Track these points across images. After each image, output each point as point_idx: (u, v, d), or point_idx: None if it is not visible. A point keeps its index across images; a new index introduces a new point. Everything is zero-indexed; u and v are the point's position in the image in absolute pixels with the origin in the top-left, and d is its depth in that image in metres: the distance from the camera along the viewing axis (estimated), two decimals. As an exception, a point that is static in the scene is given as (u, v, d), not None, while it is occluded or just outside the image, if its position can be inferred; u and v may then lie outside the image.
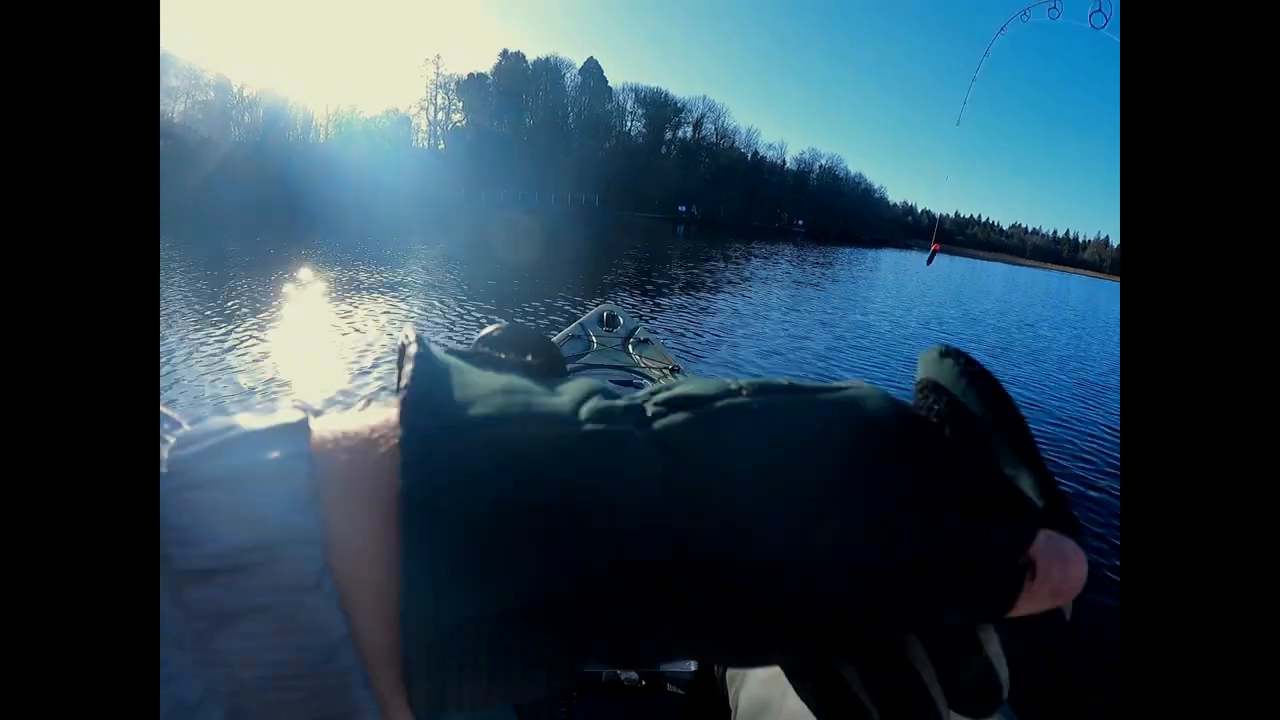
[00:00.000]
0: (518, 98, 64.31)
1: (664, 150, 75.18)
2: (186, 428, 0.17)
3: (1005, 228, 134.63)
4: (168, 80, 36.88)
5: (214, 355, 4.21)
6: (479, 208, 40.24)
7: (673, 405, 0.18)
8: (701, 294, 10.14)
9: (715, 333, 6.88)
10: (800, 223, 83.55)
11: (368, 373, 4.08)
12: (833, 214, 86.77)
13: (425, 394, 0.16)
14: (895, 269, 25.93)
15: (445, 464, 0.15)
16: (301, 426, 0.16)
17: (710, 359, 5.53)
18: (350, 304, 6.59)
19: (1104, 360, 8.57)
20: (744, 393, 0.18)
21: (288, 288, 7.34)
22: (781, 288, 13.04)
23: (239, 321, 5.20)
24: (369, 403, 0.19)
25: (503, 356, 0.20)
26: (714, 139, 79.48)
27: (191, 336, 4.60)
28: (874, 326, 8.86)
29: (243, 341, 4.57)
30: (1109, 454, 4.17)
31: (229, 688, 0.14)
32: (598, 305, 2.82)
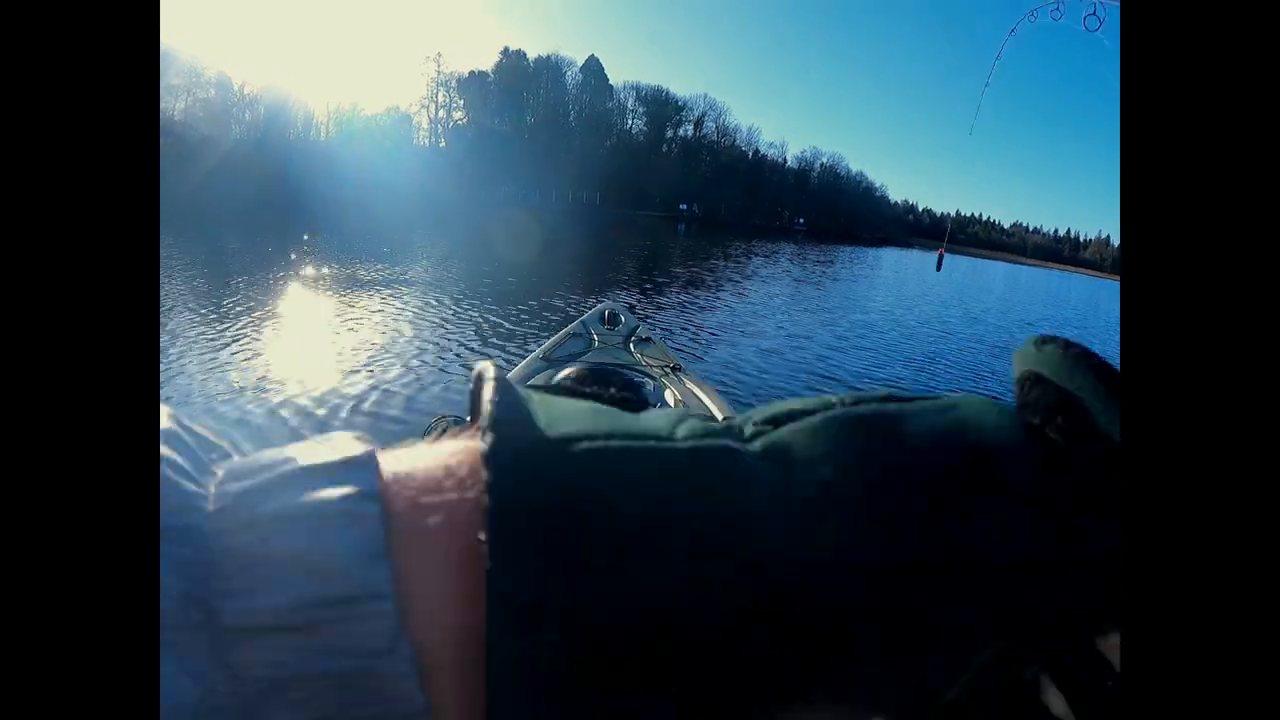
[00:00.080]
0: (519, 95, 64.25)
1: (665, 148, 75.11)
2: (235, 459, 0.16)
3: (1006, 226, 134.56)
4: (169, 78, 36.84)
5: (213, 352, 4.19)
6: (480, 205, 40.22)
7: (774, 421, 0.18)
8: (702, 292, 10.12)
9: (716, 331, 6.86)
10: (801, 221, 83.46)
11: (368, 369, 4.05)
12: (834, 212, 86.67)
13: (511, 411, 0.15)
14: (896, 268, 25.91)
15: (542, 481, 0.14)
16: (368, 461, 0.15)
17: (711, 358, 5.50)
18: (351, 302, 6.57)
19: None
20: (842, 405, 0.18)
21: (288, 285, 7.32)
22: (782, 286, 13.01)
23: (238, 319, 5.18)
24: (440, 433, 0.18)
25: (587, 391, 0.19)
26: (715, 137, 79.43)
27: (190, 334, 4.58)
28: (875, 325, 8.84)
29: (241, 339, 4.55)
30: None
31: None
32: (599, 304, 2.80)
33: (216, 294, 6.25)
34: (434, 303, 6.84)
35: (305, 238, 11.34)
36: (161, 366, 3.75)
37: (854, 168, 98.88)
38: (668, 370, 2.10)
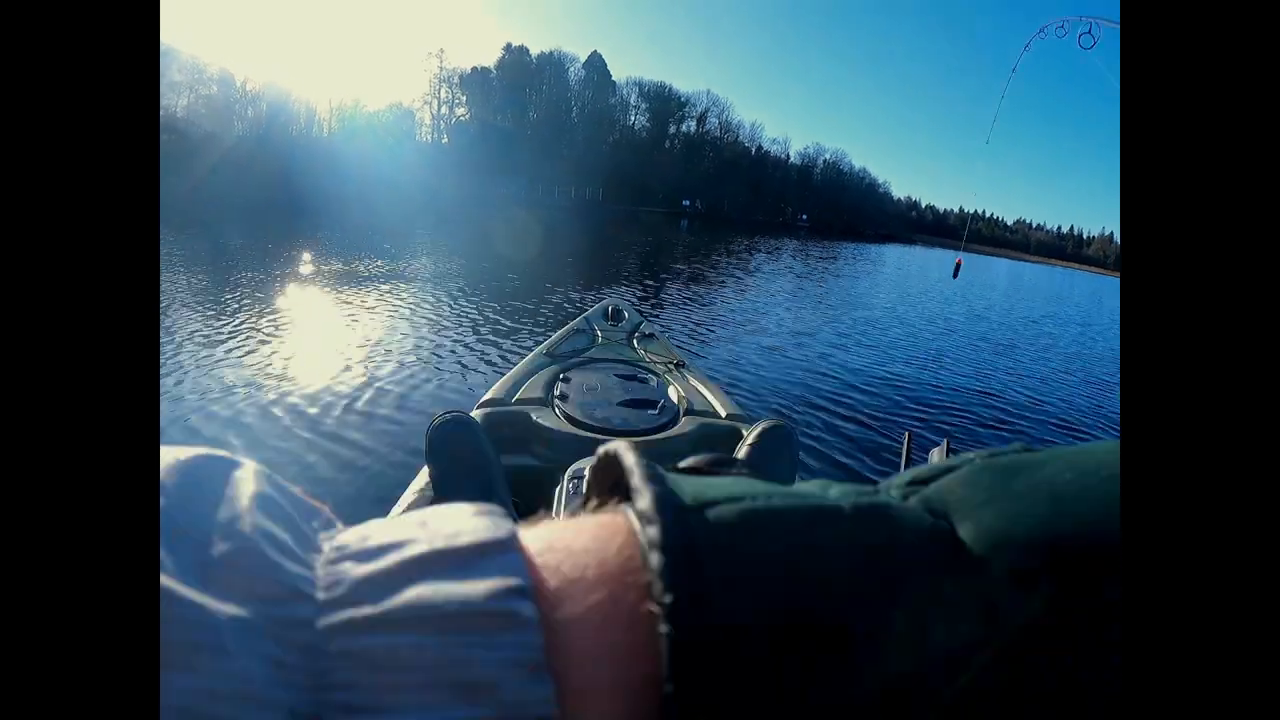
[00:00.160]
0: (522, 92, 64.17)
1: (668, 144, 74.96)
2: (340, 529, 0.14)
3: (1010, 223, 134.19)
4: (171, 75, 36.85)
5: (214, 349, 4.19)
6: (482, 202, 40.20)
7: (920, 480, 0.17)
8: (705, 289, 10.11)
9: (719, 328, 6.86)
10: (804, 217, 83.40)
11: (369, 365, 4.05)
12: (837, 209, 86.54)
13: (666, 483, 0.14)
14: (899, 264, 25.87)
15: (726, 555, 0.13)
16: (512, 545, 0.13)
17: (714, 355, 5.50)
18: (352, 298, 6.57)
19: (1111, 357, 8.52)
20: (982, 459, 0.17)
21: (289, 282, 7.33)
22: (785, 283, 12.99)
23: (239, 316, 5.19)
24: (572, 510, 0.16)
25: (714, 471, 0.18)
26: (718, 133, 79.28)
27: (192, 331, 4.59)
28: (878, 322, 8.82)
29: (242, 336, 4.56)
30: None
31: None
32: (602, 300, 2.81)
33: (218, 291, 6.26)
34: (435, 299, 6.84)
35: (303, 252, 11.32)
36: (162, 364, 3.75)
37: (857, 164, 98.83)
38: (671, 366, 2.10)
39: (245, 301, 5.82)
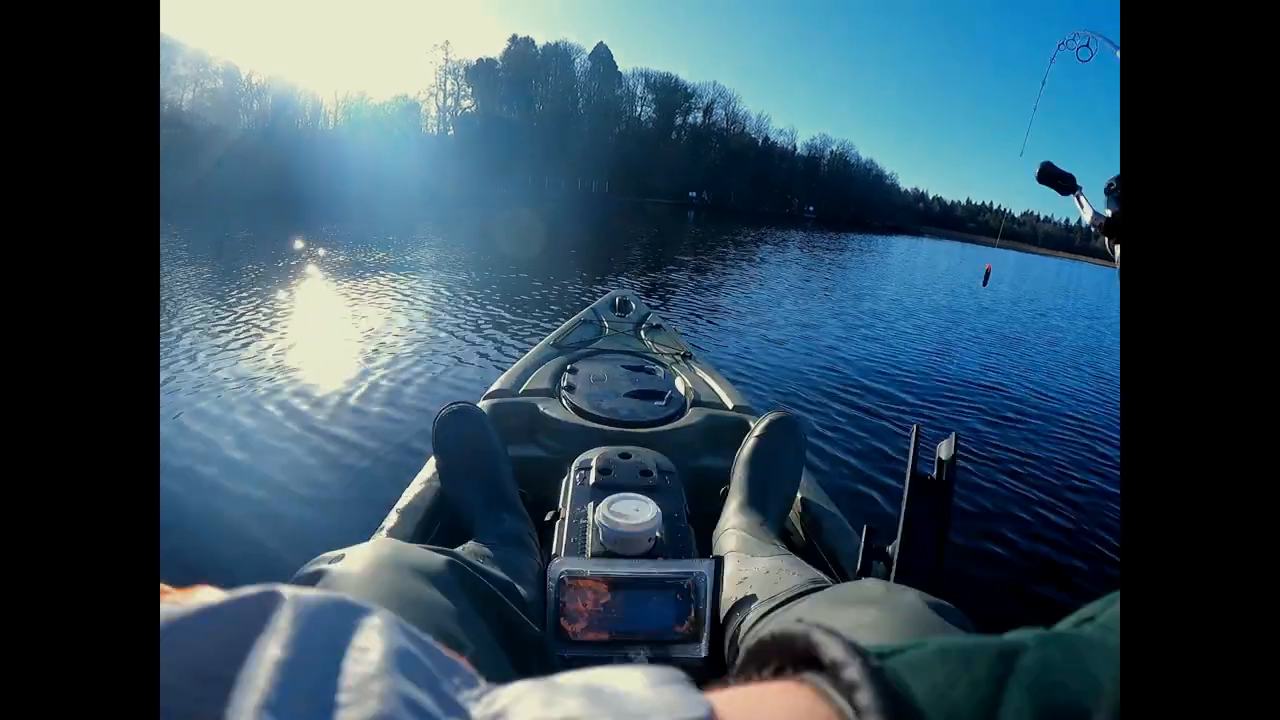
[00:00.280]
0: (527, 83, 64.03)
1: (674, 135, 74.73)
2: (495, 698, 0.13)
3: (1017, 215, 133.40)
4: (176, 68, 36.88)
5: (218, 342, 4.20)
6: (487, 193, 40.18)
7: (1087, 618, 0.17)
8: (712, 281, 10.08)
9: (725, 320, 6.84)
10: (811, 209, 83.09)
11: (373, 357, 4.06)
12: (843, 200, 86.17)
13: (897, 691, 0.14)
14: (907, 256, 25.75)
15: None
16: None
17: (720, 346, 5.49)
18: (356, 291, 6.58)
19: (1118, 350, 8.41)
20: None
21: (294, 275, 7.34)
22: (792, 275, 12.95)
23: (244, 309, 5.20)
24: (744, 674, 0.16)
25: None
26: (724, 124, 78.98)
27: (195, 324, 4.60)
28: (884, 314, 8.78)
29: (246, 329, 4.57)
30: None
31: None
32: (609, 291, 2.80)
33: (222, 284, 6.27)
34: (441, 291, 6.84)
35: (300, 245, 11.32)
36: (164, 360, 3.76)
37: (864, 155, 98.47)
38: (678, 358, 2.09)
39: (249, 294, 5.83)
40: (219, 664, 0.11)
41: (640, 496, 1.07)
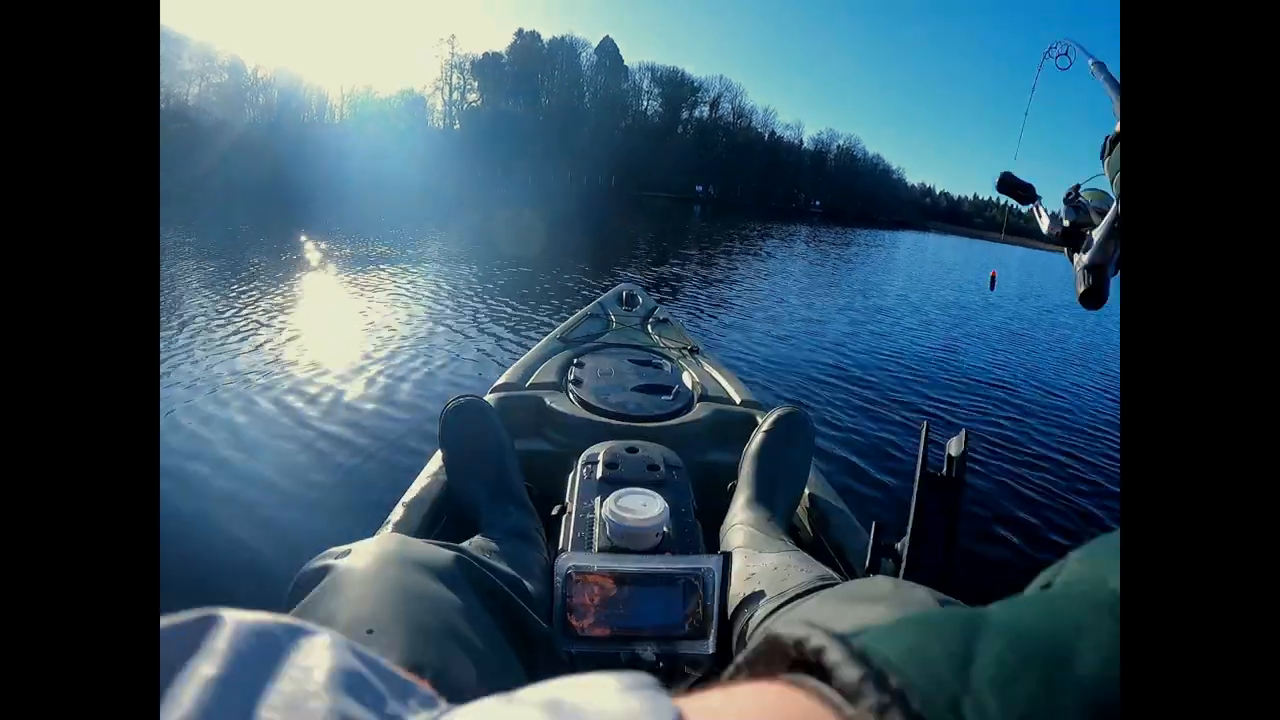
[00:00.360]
0: (533, 77, 63.96)
1: (680, 130, 74.54)
2: (444, 708, 0.13)
3: (1024, 211, 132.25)
4: (181, 63, 36.96)
5: (222, 335, 4.21)
6: (493, 187, 40.17)
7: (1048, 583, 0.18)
8: (718, 276, 10.06)
9: (731, 315, 6.83)
10: (817, 203, 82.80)
11: (376, 351, 4.06)
12: (850, 195, 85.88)
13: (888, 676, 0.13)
14: (913, 252, 25.65)
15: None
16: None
17: (726, 342, 5.48)
18: (360, 285, 6.59)
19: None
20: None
21: (298, 269, 7.35)
22: (798, 270, 12.92)
23: (248, 303, 5.21)
24: (727, 676, 0.16)
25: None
26: (731, 119, 78.72)
27: (198, 317, 4.61)
28: (891, 310, 8.76)
29: (250, 323, 4.58)
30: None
31: None
32: (616, 285, 2.80)
33: (226, 277, 6.28)
34: (447, 285, 6.84)
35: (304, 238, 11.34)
36: (166, 355, 3.76)
37: (871, 150, 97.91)
38: (685, 352, 2.08)
39: (253, 289, 5.84)
40: None
41: (647, 491, 1.06)
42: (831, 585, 0.87)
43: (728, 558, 0.94)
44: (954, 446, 0.97)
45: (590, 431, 1.48)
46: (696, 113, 76.53)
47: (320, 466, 2.51)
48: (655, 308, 2.57)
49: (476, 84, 63.17)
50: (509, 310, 5.74)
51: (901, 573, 0.92)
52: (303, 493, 2.31)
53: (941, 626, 0.15)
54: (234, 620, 0.13)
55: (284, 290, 5.89)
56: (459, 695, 0.14)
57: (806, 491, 1.40)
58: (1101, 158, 0.54)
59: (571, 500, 1.13)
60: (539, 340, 2.17)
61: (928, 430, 0.96)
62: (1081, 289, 0.60)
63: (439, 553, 0.73)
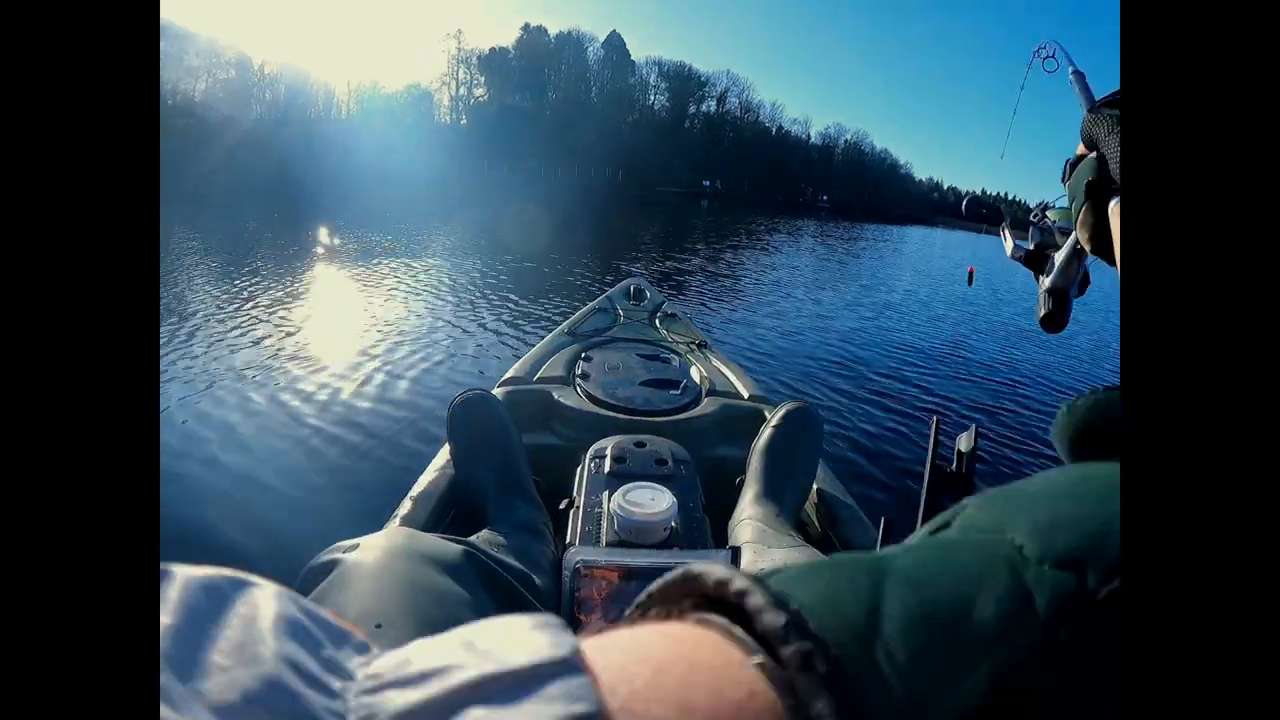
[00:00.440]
0: (540, 72, 63.87)
1: (687, 124, 74.33)
2: (382, 659, 0.13)
3: (1031, 205, 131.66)
4: (188, 59, 37.07)
5: (226, 330, 4.22)
6: (500, 182, 40.16)
7: (940, 526, 0.18)
8: (726, 270, 10.04)
9: (739, 310, 6.81)
10: (825, 198, 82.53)
11: (381, 345, 4.07)
12: (858, 190, 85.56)
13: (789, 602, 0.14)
14: (921, 247, 25.53)
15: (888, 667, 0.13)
16: (576, 665, 0.12)
17: (734, 337, 5.47)
18: (365, 280, 6.60)
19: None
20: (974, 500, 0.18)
21: (304, 264, 7.37)
22: (806, 265, 12.88)
23: (252, 298, 5.23)
24: (630, 617, 0.15)
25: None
26: (738, 113, 78.47)
27: (202, 313, 4.63)
28: (899, 306, 8.72)
29: (255, 318, 4.59)
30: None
31: None
32: (624, 279, 2.79)
33: (231, 272, 6.30)
34: (454, 280, 6.85)
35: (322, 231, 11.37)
36: (172, 352, 3.77)
37: (879, 145, 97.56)
38: (693, 347, 2.08)
39: (258, 283, 5.86)
40: None
41: (655, 486, 1.06)
42: None
43: (736, 552, 0.94)
44: (964, 442, 0.96)
45: (598, 426, 1.47)
46: (704, 107, 76.32)
47: (326, 460, 2.52)
48: (663, 302, 2.56)
49: (483, 79, 63.13)
50: (516, 305, 5.74)
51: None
52: (307, 485, 2.31)
53: (849, 571, 0.15)
54: (183, 574, 0.13)
55: (290, 286, 5.90)
56: None
57: (815, 487, 1.40)
58: (1062, 181, 0.52)
59: (579, 494, 1.13)
60: (546, 335, 2.16)
61: (937, 425, 0.95)
62: (1042, 312, 0.60)
63: (448, 547, 0.73)
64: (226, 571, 0.14)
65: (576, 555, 0.90)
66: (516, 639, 0.13)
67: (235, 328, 4.27)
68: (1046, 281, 0.60)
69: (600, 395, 1.61)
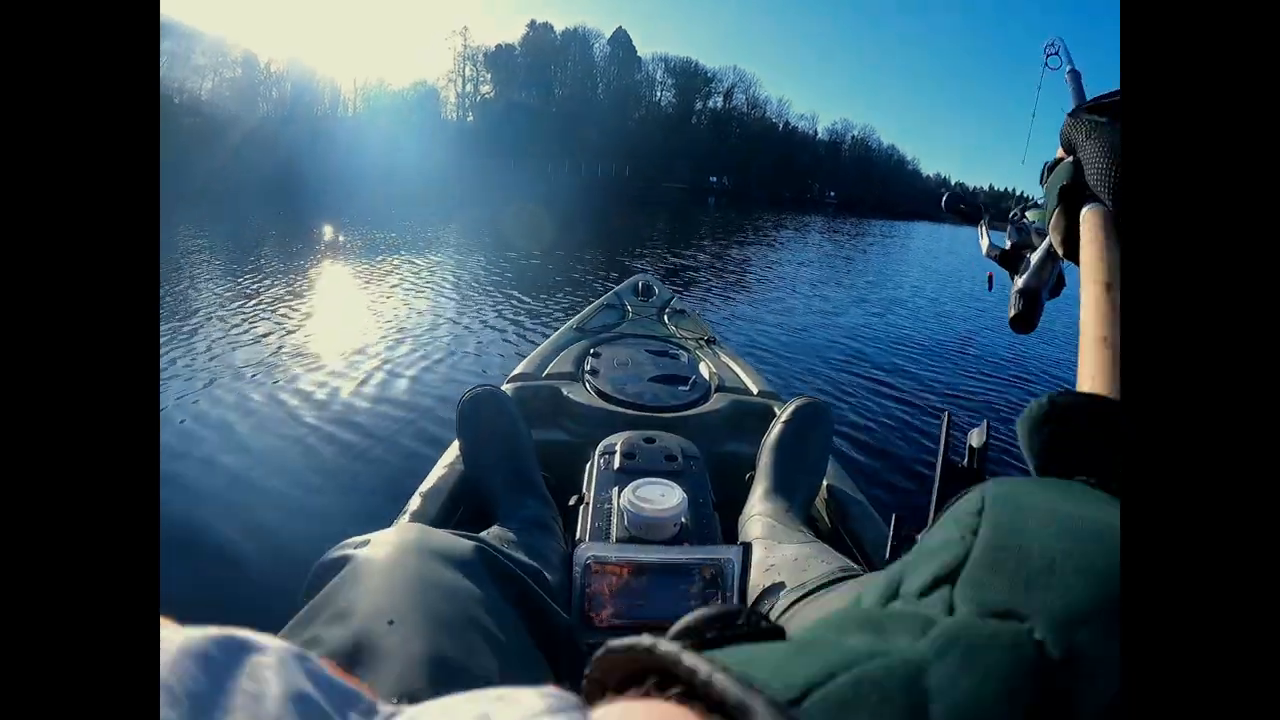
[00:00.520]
0: (546, 69, 63.90)
1: (694, 120, 74.24)
2: (385, 712, 0.13)
3: (1039, 202, 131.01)
4: (195, 58, 37.21)
5: (230, 328, 4.23)
6: (507, 179, 40.19)
7: (942, 578, 0.17)
8: (732, 266, 10.02)
9: (748, 306, 6.80)
10: (832, 194, 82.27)
11: (385, 344, 4.07)
12: (865, 186, 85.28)
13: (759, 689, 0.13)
14: (929, 242, 25.43)
15: None
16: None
17: (741, 333, 5.45)
18: (370, 277, 6.61)
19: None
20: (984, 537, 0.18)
21: (310, 261, 7.39)
22: (813, 261, 12.84)
23: (257, 296, 5.24)
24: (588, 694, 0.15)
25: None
26: (745, 109, 78.32)
27: (205, 310, 4.65)
28: (906, 302, 8.68)
29: (259, 315, 4.61)
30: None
31: None
32: (632, 275, 2.79)
33: (236, 269, 6.32)
34: (461, 277, 6.85)
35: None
36: (172, 351, 3.78)
37: (885, 141, 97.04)
38: (702, 342, 2.07)
39: (263, 280, 5.87)
40: None
41: (665, 481, 1.05)
42: (853, 576, 0.86)
43: (748, 548, 0.94)
44: (975, 437, 0.95)
45: (607, 421, 1.47)
46: (710, 103, 76.21)
47: (326, 460, 2.52)
48: (672, 298, 2.56)
49: (489, 76, 63.21)
50: (520, 302, 5.74)
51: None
52: (307, 485, 2.31)
53: (886, 688, 0.14)
54: (179, 643, 0.12)
55: (293, 283, 5.92)
56: (482, 686, 0.13)
57: (825, 482, 1.39)
58: (1040, 183, 0.52)
59: (589, 490, 1.13)
60: (551, 332, 2.16)
61: (949, 421, 0.95)
62: (1012, 313, 0.59)
63: (459, 543, 0.72)
64: (224, 632, 0.13)
65: (587, 551, 0.90)
66: (526, 707, 0.12)
67: (237, 325, 4.28)
68: (1019, 281, 0.60)
69: (609, 391, 1.60)
